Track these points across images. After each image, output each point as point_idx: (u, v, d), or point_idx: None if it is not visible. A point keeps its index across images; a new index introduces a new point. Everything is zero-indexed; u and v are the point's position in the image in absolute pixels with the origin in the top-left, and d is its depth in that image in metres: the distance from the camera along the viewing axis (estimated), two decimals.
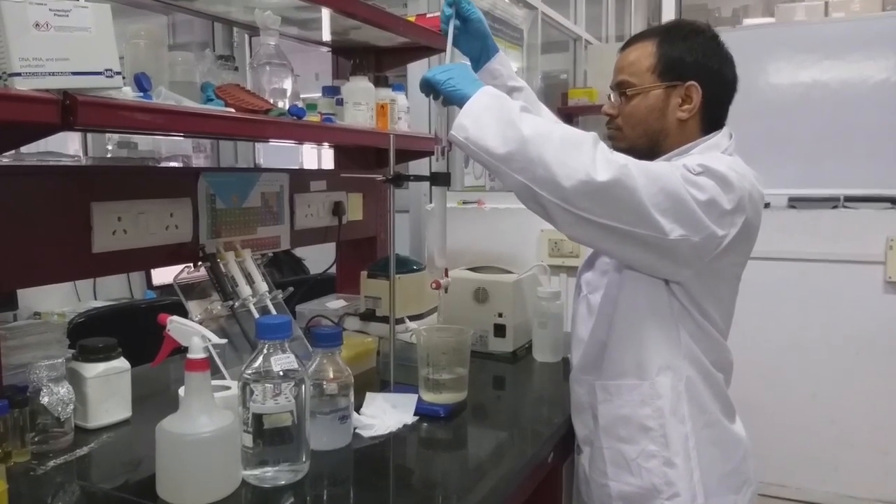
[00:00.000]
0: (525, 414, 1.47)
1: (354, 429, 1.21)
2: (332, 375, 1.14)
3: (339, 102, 1.73)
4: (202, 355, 0.98)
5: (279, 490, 1.00)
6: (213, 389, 1.02)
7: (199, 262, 1.47)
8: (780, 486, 2.37)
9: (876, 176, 2.62)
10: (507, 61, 1.39)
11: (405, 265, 1.74)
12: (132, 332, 1.37)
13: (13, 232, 1.21)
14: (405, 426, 1.27)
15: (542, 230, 2.48)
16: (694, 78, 1.23)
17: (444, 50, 1.35)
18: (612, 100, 1.31)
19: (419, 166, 2.35)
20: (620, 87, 1.28)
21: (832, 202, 2.42)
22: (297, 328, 1.52)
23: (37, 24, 0.90)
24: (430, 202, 2.60)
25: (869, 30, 2.92)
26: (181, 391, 1.03)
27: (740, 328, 1.34)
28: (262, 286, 1.48)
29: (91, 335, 1.29)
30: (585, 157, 1.06)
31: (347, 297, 1.92)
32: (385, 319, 1.55)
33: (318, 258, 2.51)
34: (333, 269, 2.14)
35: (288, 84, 1.48)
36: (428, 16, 1.94)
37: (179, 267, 1.47)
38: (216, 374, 1.19)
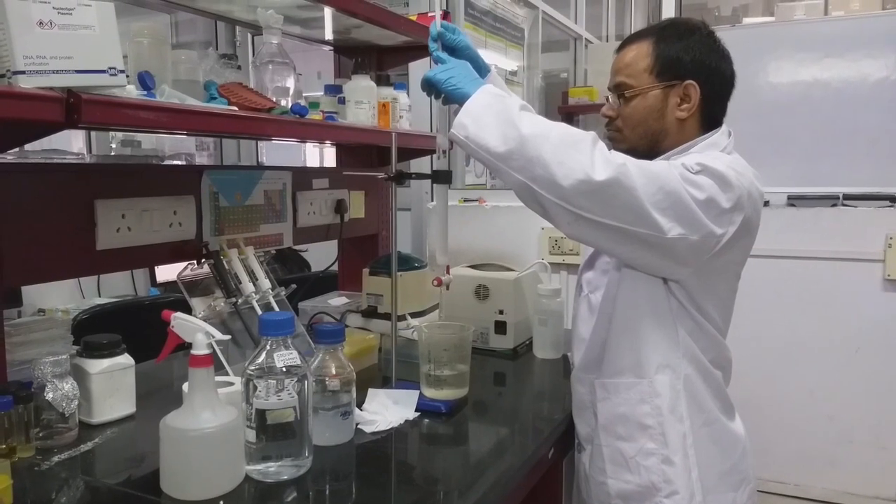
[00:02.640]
0: (525, 410, 1.48)
1: (356, 424, 1.21)
2: (334, 372, 1.15)
3: (342, 101, 1.74)
4: (206, 351, 0.99)
5: (282, 485, 1.01)
6: (216, 385, 1.02)
7: (203, 260, 1.48)
8: (778, 482, 2.37)
9: (875, 174, 2.61)
10: (500, 79, 1.38)
11: (407, 263, 1.75)
12: (136, 329, 1.39)
13: (18, 229, 1.22)
14: (407, 422, 1.28)
15: (543, 228, 2.48)
16: (692, 76, 1.22)
17: None
18: (611, 101, 1.30)
19: (421, 164, 2.36)
20: (618, 89, 1.27)
21: (831, 200, 2.41)
22: (299, 325, 1.53)
23: (41, 23, 0.91)
24: (432, 200, 2.59)
25: (869, 28, 2.91)
26: (185, 387, 1.04)
27: (739, 326, 1.34)
28: (265, 283, 1.49)
29: (95, 332, 1.29)
30: (584, 156, 1.06)
31: (349, 294, 1.93)
32: (387, 316, 1.57)
33: (321, 256, 2.52)
34: (335, 267, 2.15)
35: (290, 83, 1.49)
36: (429, 14, 1.95)
37: (183, 264, 1.48)
38: (219, 370, 1.20)
